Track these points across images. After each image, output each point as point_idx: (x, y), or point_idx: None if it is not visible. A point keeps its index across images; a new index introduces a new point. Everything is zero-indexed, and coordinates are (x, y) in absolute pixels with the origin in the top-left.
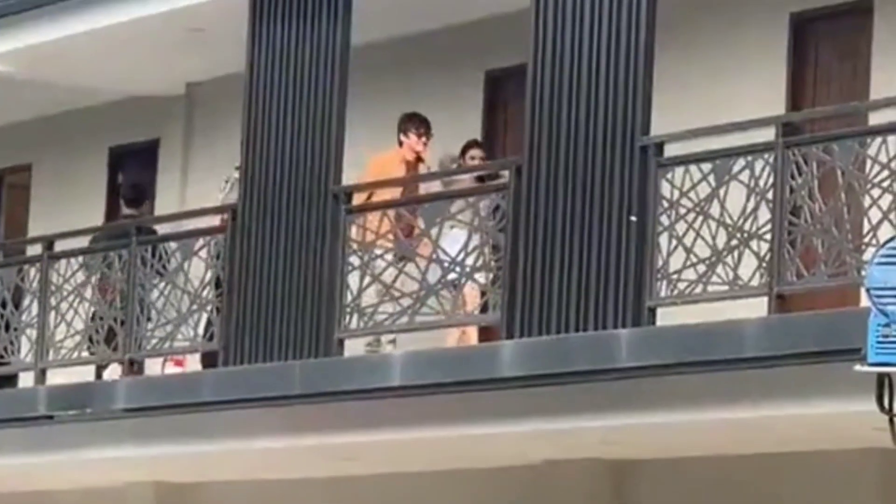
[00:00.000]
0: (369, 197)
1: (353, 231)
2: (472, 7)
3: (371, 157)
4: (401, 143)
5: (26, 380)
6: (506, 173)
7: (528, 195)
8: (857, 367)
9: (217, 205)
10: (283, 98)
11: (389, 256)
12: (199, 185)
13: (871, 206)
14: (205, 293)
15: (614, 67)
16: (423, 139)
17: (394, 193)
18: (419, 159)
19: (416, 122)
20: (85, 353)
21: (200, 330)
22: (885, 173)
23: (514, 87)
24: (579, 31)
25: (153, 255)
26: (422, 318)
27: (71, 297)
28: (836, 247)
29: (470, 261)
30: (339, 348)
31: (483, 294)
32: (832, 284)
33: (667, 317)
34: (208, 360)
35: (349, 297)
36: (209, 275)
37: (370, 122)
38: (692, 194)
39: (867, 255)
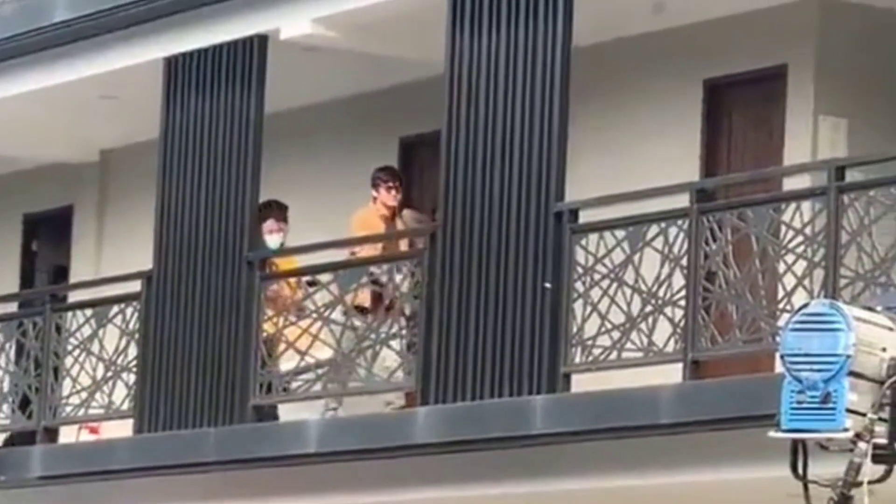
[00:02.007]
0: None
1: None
2: (386, 74)
3: (354, 215)
4: (374, 199)
5: None
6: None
7: (443, 261)
8: (771, 434)
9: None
10: (196, 165)
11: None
12: (114, 252)
13: (785, 272)
14: (119, 360)
15: (529, 133)
16: (394, 192)
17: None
18: (395, 213)
19: (384, 176)
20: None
21: (115, 397)
22: (800, 239)
23: (429, 153)
24: (493, 98)
25: (68, 323)
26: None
27: None
28: (751, 313)
29: (385, 328)
30: (253, 415)
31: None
32: (746, 350)
33: (582, 383)
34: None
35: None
36: (124, 342)
37: (285, 189)
38: (607, 260)
39: (781, 321)
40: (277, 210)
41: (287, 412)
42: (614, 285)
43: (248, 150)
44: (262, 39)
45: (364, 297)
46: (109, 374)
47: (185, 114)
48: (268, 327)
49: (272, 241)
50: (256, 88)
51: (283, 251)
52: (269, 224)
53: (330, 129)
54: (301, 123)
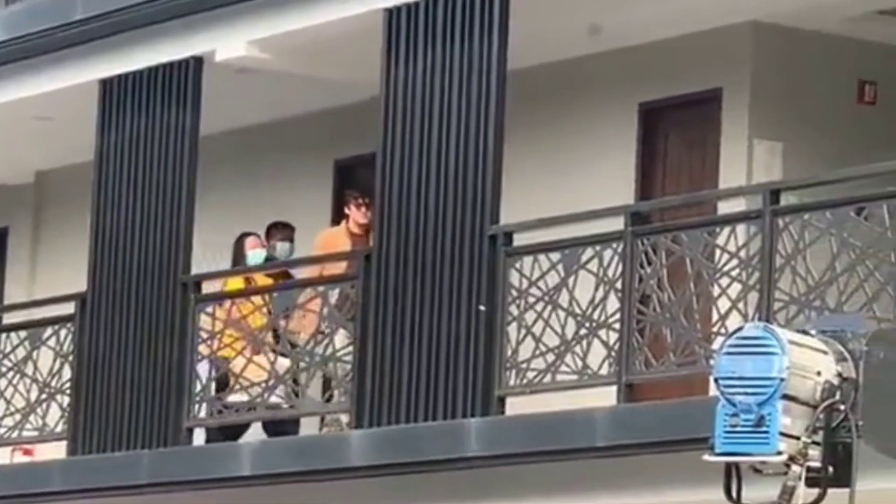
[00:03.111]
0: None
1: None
2: (322, 96)
3: (319, 234)
4: (347, 217)
5: None
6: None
7: (378, 284)
8: (705, 457)
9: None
10: (132, 186)
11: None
12: (48, 274)
13: (719, 296)
14: (53, 382)
15: (463, 156)
16: (364, 209)
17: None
18: (367, 230)
19: (355, 193)
20: None
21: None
22: (734, 262)
23: (364, 175)
24: (429, 120)
25: (2, 344)
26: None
27: None
28: (685, 336)
29: (320, 349)
30: (187, 437)
31: (331, 382)
32: (681, 374)
33: (516, 406)
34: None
35: (198, 387)
36: (58, 363)
37: (220, 211)
38: (541, 283)
39: (716, 345)
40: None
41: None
42: (549, 308)
43: (184, 172)
44: (198, 61)
45: (301, 325)
46: (43, 396)
47: (121, 135)
48: (226, 353)
49: (253, 256)
50: (192, 110)
51: (213, 274)
52: (251, 240)
53: (265, 151)
54: (237, 145)
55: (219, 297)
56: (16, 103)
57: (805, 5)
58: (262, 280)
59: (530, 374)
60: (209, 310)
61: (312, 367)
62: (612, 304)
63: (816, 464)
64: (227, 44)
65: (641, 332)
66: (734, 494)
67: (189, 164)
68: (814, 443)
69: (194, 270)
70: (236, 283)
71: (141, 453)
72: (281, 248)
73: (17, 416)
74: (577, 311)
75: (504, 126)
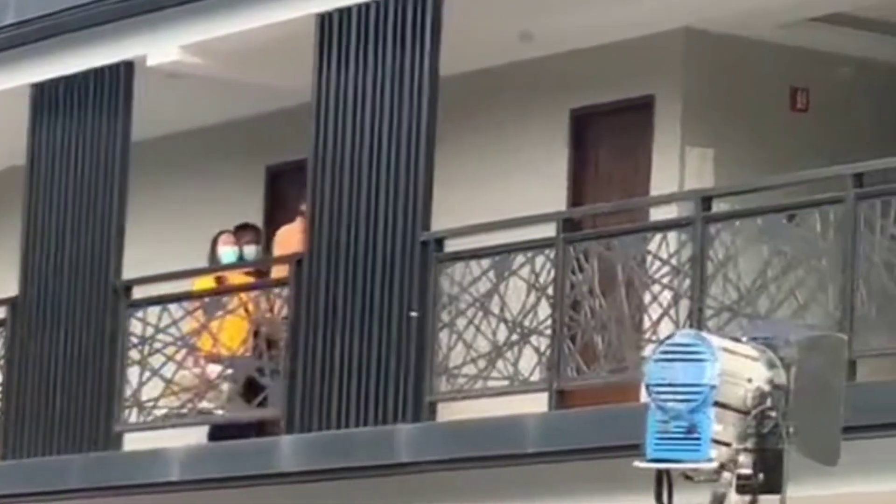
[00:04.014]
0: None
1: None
2: (254, 102)
3: (280, 230)
4: (302, 213)
5: None
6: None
7: (309, 289)
8: (636, 463)
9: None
10: (63, 191)
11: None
12: None
13: (651, 302)
14: None
15: (395, 163)
16: None
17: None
18: None
19: None
20: None
21: None
22: (666, 269)
23: (296, 181)
24: (360, 126)
25: None
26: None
27: None
28: (616, 343)
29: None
30: (118, 442)
31: (264, 388)
32: (612, 380)
33: (448, 412)
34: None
35: (129, 391)
36: None
37: (152, 215)
38: (472, 290)
39: (647, 351)
40: (249, 230)
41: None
42: (480, 314)
43: (115, 177)
44: (129, 66)
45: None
46: None
47: (52, 140)
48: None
49: (225, 254)
50: (123, 115)
51: (145, 279)
52: (224, 237)
53: (197, 156)
54: (168, 150)
55: (147, 303)
56: None
57: (737, 12)
58: (236, 279)
59: (461, 380)
60: (140, 314)
61: (243, 373)
62: (544, 310)
63: (747, 471)
64: (159, 48)
65: (573, 338)
66: (665, 501)
67: (121, 169)
68: (744, 449)
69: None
70: (206, 282)
71: (72, 458)
72: (247, 251)
73: None
74: (509, 317)
75: (436, 132)
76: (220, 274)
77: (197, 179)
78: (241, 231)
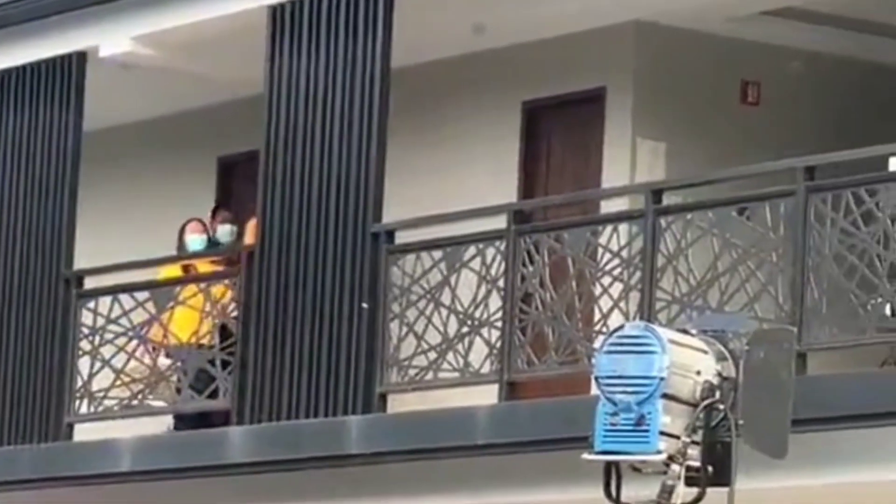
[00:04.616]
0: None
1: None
2: (205, 93)
3: (251, 220)
4: None
5: None
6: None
7: (260, 281)
8: (585, 456)
9: None
10: (14, 182)
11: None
12: None
13: (601, 295)
14: None
15: (347, 154)
16: None
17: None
18: None
19: None
20: None
21: None
22: (616, 262)
23: (247, 173)
24: (312, 118)
25: None
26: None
27: None
28: (567, 335)
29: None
30: (68, 433)
31: (214, 379)
32: (562, 372)
33: (398, 404)
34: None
35: (79, 382)
36: None
37: (103, 206)
38: (423, 281)
39: (597, 343)
40: (226, 210)
41: None
42: (431, 306)
43: (66, 168)
44: (81, 57)
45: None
46: None
47: (3, 131)
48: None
49: (192, 242)
50: (75, 106)
51: (95, 270)
52: (192, 225)
53: (149, 147)
54: (120, 141)
55: (98, 294)
56: None
57: (688, 6)
58: (203, 267)
59: (412, 372)
60: (91, 305)
61: (195, 364)
62: (495, 302)
63: (696, 463)
64: (111, 39)
65: (523, 330)
66: (614, 493)
67: (72, 160)
68: (693, 442)
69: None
70: (173, 270)
71: (22, 449)
72: (222, 231)
73: None
74: (460, 309)
75: (387, 124)
76: (187, 262)
77: (149, 170)
78: (217, 211)
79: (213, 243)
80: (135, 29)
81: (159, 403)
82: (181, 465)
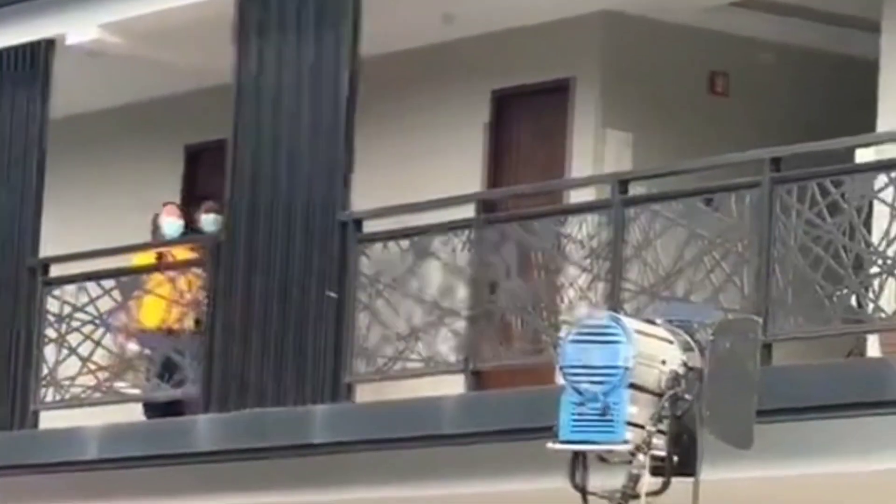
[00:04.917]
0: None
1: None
2: (173, 81)
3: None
4: None
5: None
6: None
7: (227, 270)
8: (551, 445)
9: None
10: None
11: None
12: None
13: (568, 285)
14: None
15: (314, 143)
16: None
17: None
18: None
19: None
20: None
21: None
22: (583, 252)
23: (215, 161)
24: (280, 106)
25: None
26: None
27: None
28: (533, 325)
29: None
30: (34, 421)
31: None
32: (529, 362)
33: (365, 393)
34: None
35: (45, 370)
36: None
37: (70, 194)
38: (391, 271)
39: (563, 333)
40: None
41: None
42: (398, 295)
43: (33, 155)
44: (49, 44)
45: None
46: None
47: None
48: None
49: (169, 226)
50: (42, 93)
51: (61, 258)
52: (168, 208)
53: (116, 135)
54: (87, 129)
55: (62, 282)
56: None
57: None
58: (181, 254)
59: (379, 362)
60: (57, 293)
61: (164, 352)
62: (462, 291)
63: (661, 453)
64: (78, 27)
65: (490, 320)
66: (580, 483)
67: (38, 147)
68: (659, 431)
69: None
70: (147, 257)
71: None
72: (206, 220)
73: None
74: (426, 298)
75: (355, 113)
76: (162, 249)
77: (116, 158)
78: (204, 200)
79: (191, 230)
80: (102, 17)
81: (135, 391)
82: (147, 454)
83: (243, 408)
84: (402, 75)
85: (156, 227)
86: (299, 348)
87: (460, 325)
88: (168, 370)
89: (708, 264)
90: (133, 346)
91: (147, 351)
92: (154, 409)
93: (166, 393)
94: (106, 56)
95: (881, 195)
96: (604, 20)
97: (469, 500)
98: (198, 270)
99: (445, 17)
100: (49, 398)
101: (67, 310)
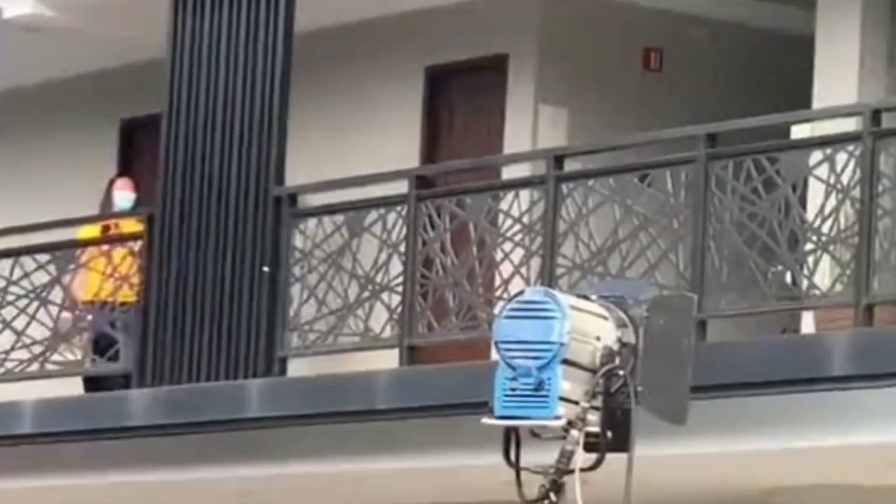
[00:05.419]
0: None
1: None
2: (108, 55)
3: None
4: None
5: None
6: None
7: (161, 244)
8: (484, 420)
9: None
10: None
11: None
12: None
13: (502, 260)
14: None
15: (249, 117)
16: None
17: None
18: None
19: None
20: None
21: None
22: (517, 227)
23: (149, 135)
24: (215, 81)
25: None
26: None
27: None
28: (468, 300)
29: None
30: None
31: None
32: (463, 337)
33: (298, 367)
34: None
35: None
36: None
37: (3, 167)
38: (325, 245)
39: (498, 309)
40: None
41: None
42: (332, 270)
43: None
44: None
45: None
46: None
47: None
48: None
49: (122, 199)
50: None
51: (6, 231)
52: (121, 182)
53: (51, 109)
54: (22, 103)
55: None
56: None
57: None
58: (129, 227)
59: (313, 336)
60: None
61: (98, 326)
62: (396, 267)
63: (595, 429)
64: (15, 1)
65: (424, 295)
66: (513, 458)
67: None
68: (593, 408)
69: None
70: (92, 231)
71: None
72: (119, 196)
73: None
74: (361, 273)
75: (290, 87)
76: (108, 222)
77: (51, 132)
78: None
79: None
80: None
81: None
82: (81, 428)
83: (177, 382)
84: (336, 50)
85: (108, 200)
86: (233, 323)
87: (395, 300)
88: (103, 344)
89: (643, 240)
90: (67, 319)
91: (84, 323)
92: (93, 383)
93: (100, 368)
94: (42, 30)
95: (816, 171)
96: None
97: (403, 475)
98: (133, 245)
99: None
100: None
101: (2, 283)
